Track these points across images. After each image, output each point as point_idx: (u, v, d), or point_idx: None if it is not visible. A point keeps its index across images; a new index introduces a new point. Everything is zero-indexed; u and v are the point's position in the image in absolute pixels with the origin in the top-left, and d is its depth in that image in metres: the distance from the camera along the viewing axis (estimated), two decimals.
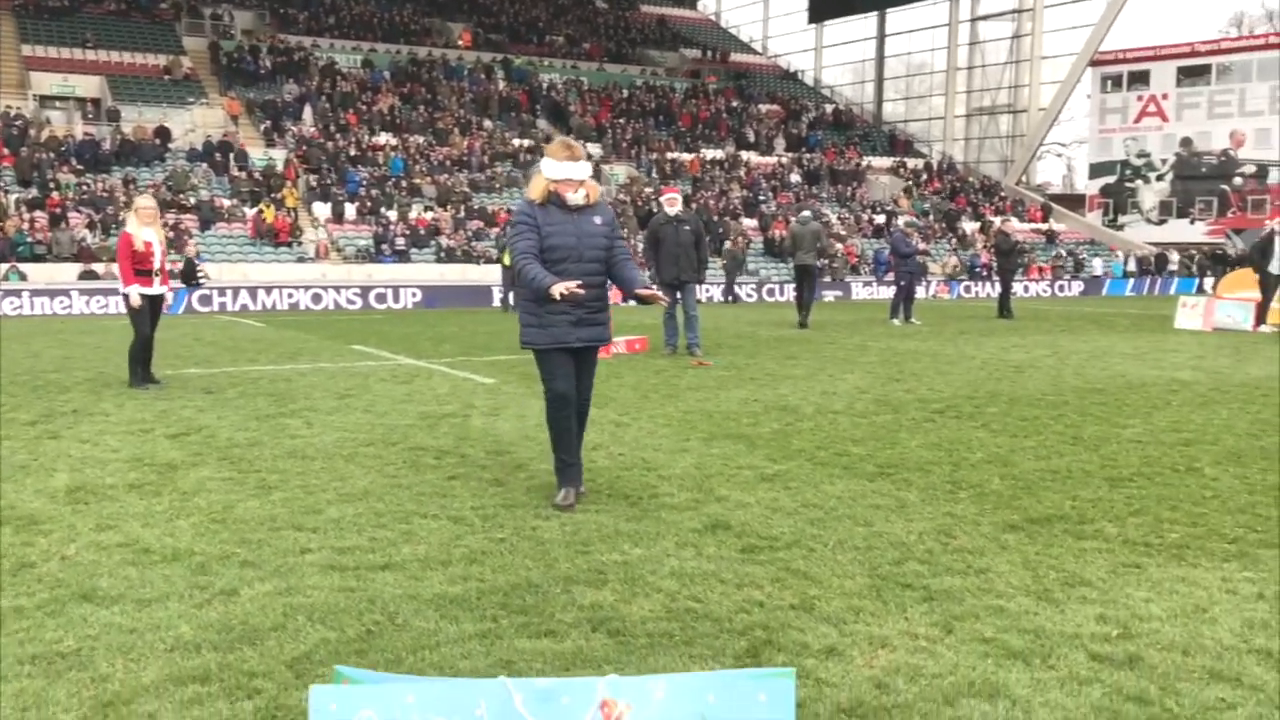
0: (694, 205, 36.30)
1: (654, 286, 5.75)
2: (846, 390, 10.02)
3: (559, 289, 5.23)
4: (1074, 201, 52.16)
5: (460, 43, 47.83)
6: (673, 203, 12.95)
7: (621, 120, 44.73)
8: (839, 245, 37.96)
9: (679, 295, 13.07)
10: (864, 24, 58.50)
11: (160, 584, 4.28)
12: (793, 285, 20.81)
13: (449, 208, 35.01)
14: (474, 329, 18.68)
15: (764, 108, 50.18)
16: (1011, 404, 9.13)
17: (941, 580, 4.33)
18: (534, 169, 5.59)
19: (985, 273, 37.71)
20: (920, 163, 49.52)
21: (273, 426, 8.04)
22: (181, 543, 4.87)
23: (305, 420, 8.37)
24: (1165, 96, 47.06)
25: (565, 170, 5.41)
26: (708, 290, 31.61)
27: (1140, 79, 47.83)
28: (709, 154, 44.01)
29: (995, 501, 5.67)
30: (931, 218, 43.38)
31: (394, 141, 38.09)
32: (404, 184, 35.60)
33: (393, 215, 33.71)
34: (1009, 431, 7.79)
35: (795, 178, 44.02)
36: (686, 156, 43.30)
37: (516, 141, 40.42)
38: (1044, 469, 6.49)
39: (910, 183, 46.50)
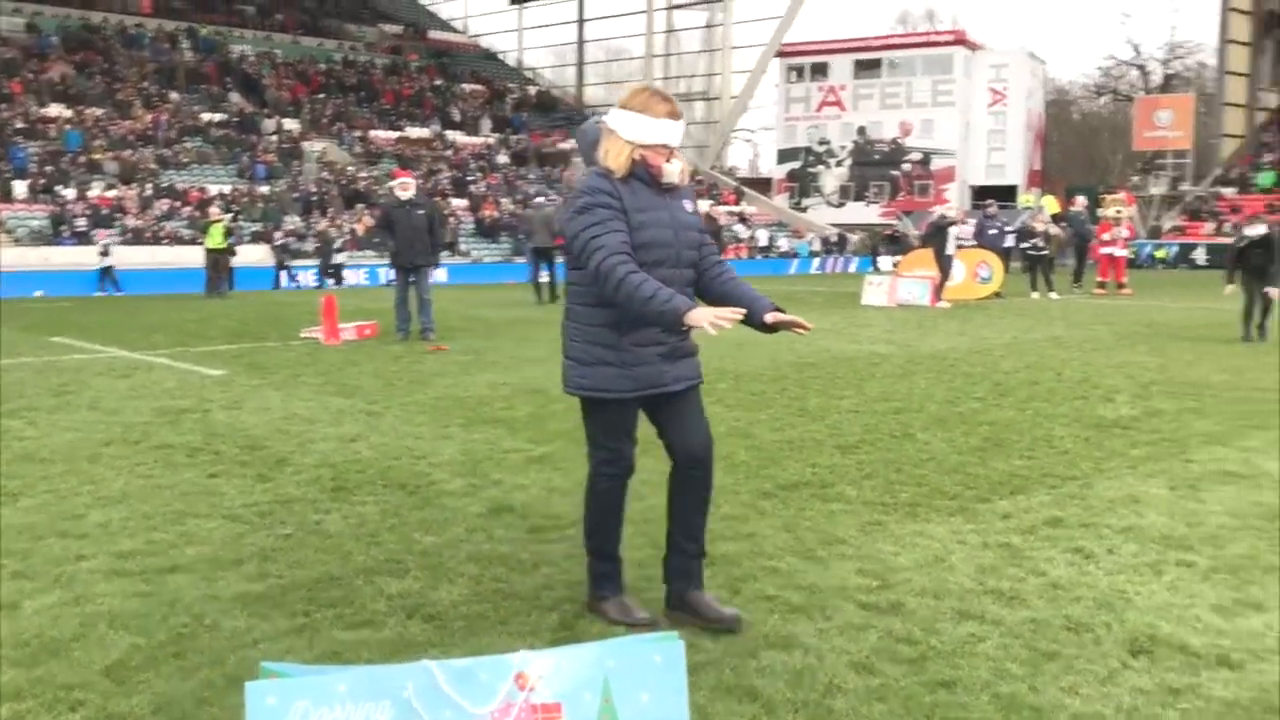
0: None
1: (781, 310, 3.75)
2: None
3: (706, 317, 3.42)
4: (762, 185, 55.23)
5: (140, 9, 44.73)
6: (406, 187, 12.88)
7: (321, 96, 43.36)
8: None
9: (413, 278, 13.04)
10: (565, 8, 59.43)
11: None
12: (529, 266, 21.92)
13: (134, 185, 32.80)
14: (180, 317, 17.75)
15: (468, 87, 50.04)
16: (739, 380, 9.79)
17: (718, 546, 4.73)
18: (592, 126, 3.77)
19: None
20: None
21: None
22: None
23: (27, 420, 7.84)
24: (843, 88, 50.70)
25: (664, 132, 3.59)
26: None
27: (821, 70, 51.27)
28: (414, 132, 43.46)
29: (746, 471, 6.18)
30: None
31: (68, 114, 35.21)
32: (82, 160, 33.03)
33: (70, 194, 31.23)
34: (743, 406, 8.40)
35: (503, 159, 44.23)
36: (391, 134, 42.59)
37: (206, 116, 38.38)
38: (781, 440, 7.09)
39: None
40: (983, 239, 22.02)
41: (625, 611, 3.83)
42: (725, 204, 47.31)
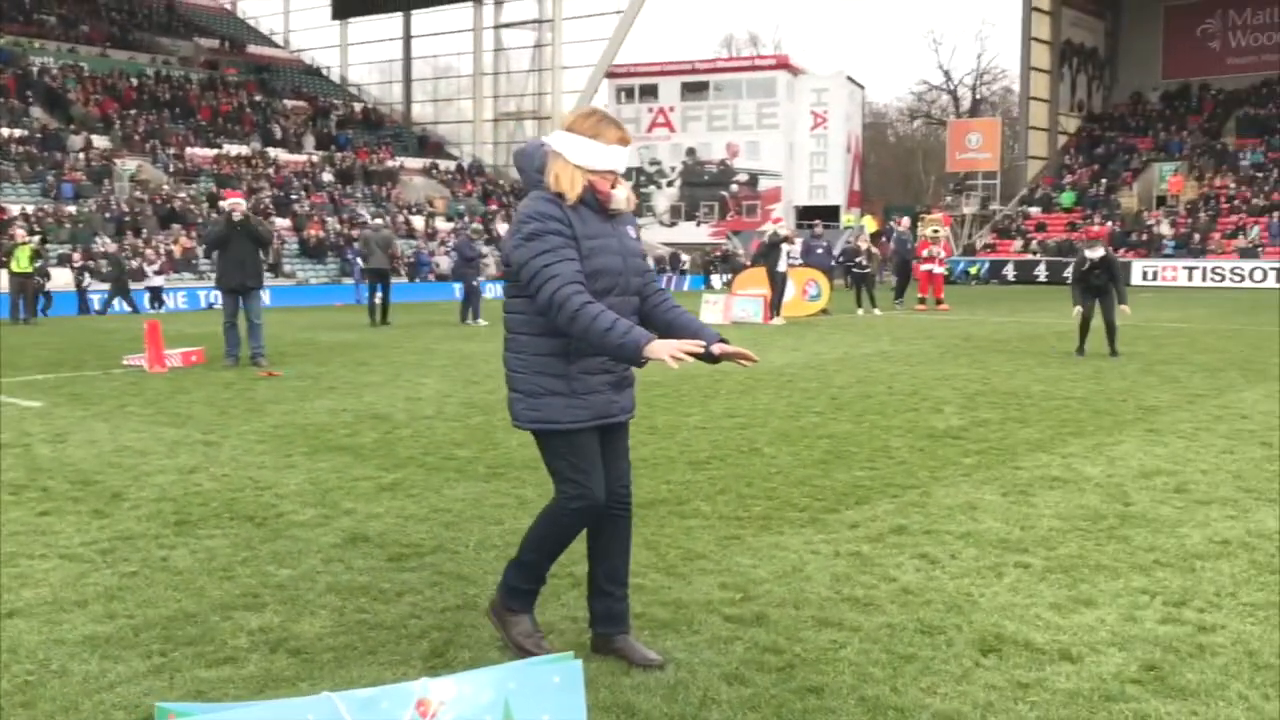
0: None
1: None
2: (431, 395, 10.28)
3: (668, 350, 3.33)
4: None
5: None
6: (236, 207, 12.47)
7: (133, 112, 41.56)
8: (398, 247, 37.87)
9: (241, 302, 12.63)
10: (390, 23, 58.48)
11: None
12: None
13: None
14: None
15: (289, 103, 48.78)
16: None
17: (583, 566, 4.75)
18: (535, 147, 3.64)
19: None
20: (452, 165, 50.49)
21: None
22: None
23: None
24: (672, 109, 51.58)
25: (613, 158, 3.51)
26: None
27: (650, 92, 52.05)
28: (233, 150, 42.07)
29: None
30: (467, 220, 44.46)
31: None
32: None
33: None
34: None
35: (328, 177, 43.25)
36: (208, 152, 41.14)
37: (6, 131, 36.27)
38: (634, 458, 7.14)
39: (449, 185, 47.29)
40: (810, 258, 22.75)
41: (531, 639, 3.72)
42: None
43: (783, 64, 51.76)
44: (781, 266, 19.55)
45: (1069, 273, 14.46)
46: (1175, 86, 51.21)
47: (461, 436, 8.04)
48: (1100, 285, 13.39)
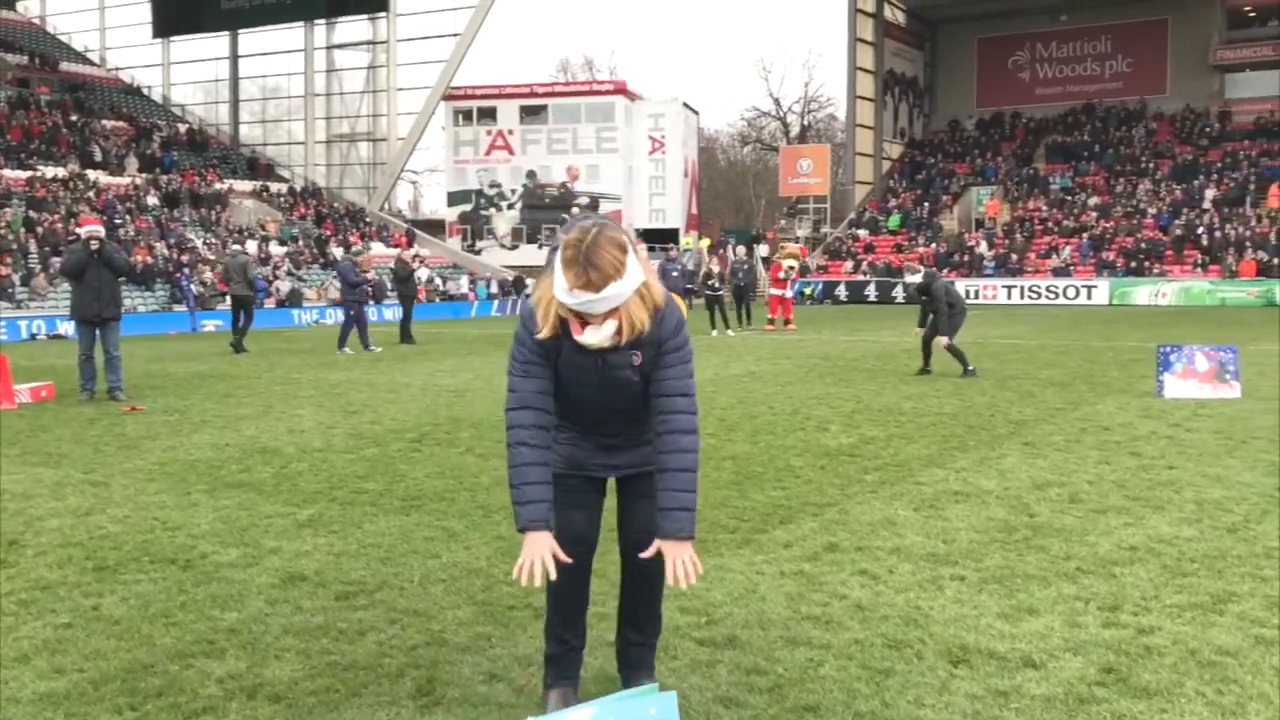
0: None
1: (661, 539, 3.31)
2: (313, 427, 10.02)
3: (528, 555, 3.25)
4: (433, 227, 54.94)
5: None
6: (94, 235, 11.86)
7: None
8: (209, 273, 36.52)
9: (99, 333, 12.03)
10: (216, 43, 56.58)
11: None
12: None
13: None
14: None
15: (109, 123, 46.62)
16: (478, 428, 9.78)
17: (537, 597, 4.75)
18: (575, 220, 3.31)
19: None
20: (284, 187, 49.13)
21: None
22: None
23: None
24: (511, 132, 51.46)
25: (575, 301, 3.14)
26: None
27: (489, 114, 51.81)
28: (49, 171, 39.92)
29: None
30: (300, 243, 43.32)
31: None
32: None
33: None
34: (496, 454, 8.40)
35: (153, 200, 41.48)
36: (21, 174, 38.92)
37: None
38: None
39: (280, 208, 45.98)
40: (666, 280, 23.01)
41: (556, 700, 3.54)
42: (396, 246, 46.69)
43: (620, 89, 52.35)
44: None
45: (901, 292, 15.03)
46: (989, 115, 54.02)
47: (363, 469, 7.88)
48: (924, 310, 14.07)
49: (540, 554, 3.20)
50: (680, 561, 3.20)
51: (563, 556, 3.25)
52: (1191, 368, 11.42)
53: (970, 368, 13.63)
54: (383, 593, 4.88)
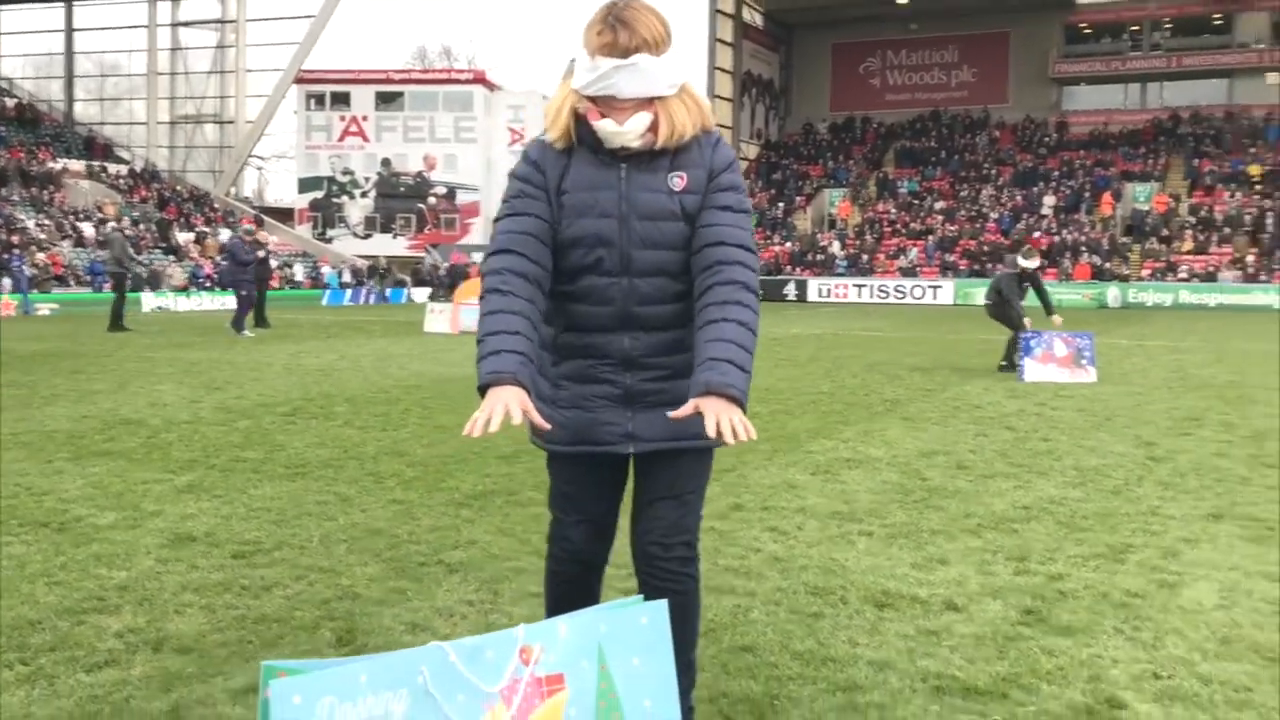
0: None
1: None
2: (177, 401, 9.54)
3: (487, 407, 2.32)
4: (280, 214, 53.33)
5: None
6: None
7: None
8: (41, 254, 34.60)
9: None
10: (49, 14, 53.79)
11: None
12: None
13: None
14: None
15: None
16: (353, 404, 9.47)
17: (453, 555, 4.61)
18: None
19: (210, 284, 37.10)
20: (123, 168, 46.93)
21: None
22: None
23: None
24: (365, 118, 50.31)
25: (596, 76, 2.45)
26: None
27: (342, 100, 50.54)
28: None
29: (426, 484, 6.04)
30: (142, 227, 41.45)
31: None
32: None
33: None
34: (376, 426, 8.16)
35: None
36: None
37: None
38: (438, 455, 6.99)
39: (119, 190, 43.90)
40: None
41: None
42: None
43: (479, 79, 51.72)
44: None
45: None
46: (842, 119, 55.45)
47: (238, 440, 7.52)
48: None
49: (502, 402, 2.30)
50: (728, 418, 2.33)
51: (536, 419, 2.35)
52: (1050, 353, 11.90)
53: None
54: (282, 552, 4.65)
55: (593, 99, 2.48)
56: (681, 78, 2.50)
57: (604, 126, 2.48)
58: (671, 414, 2.42)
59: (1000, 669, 3.38)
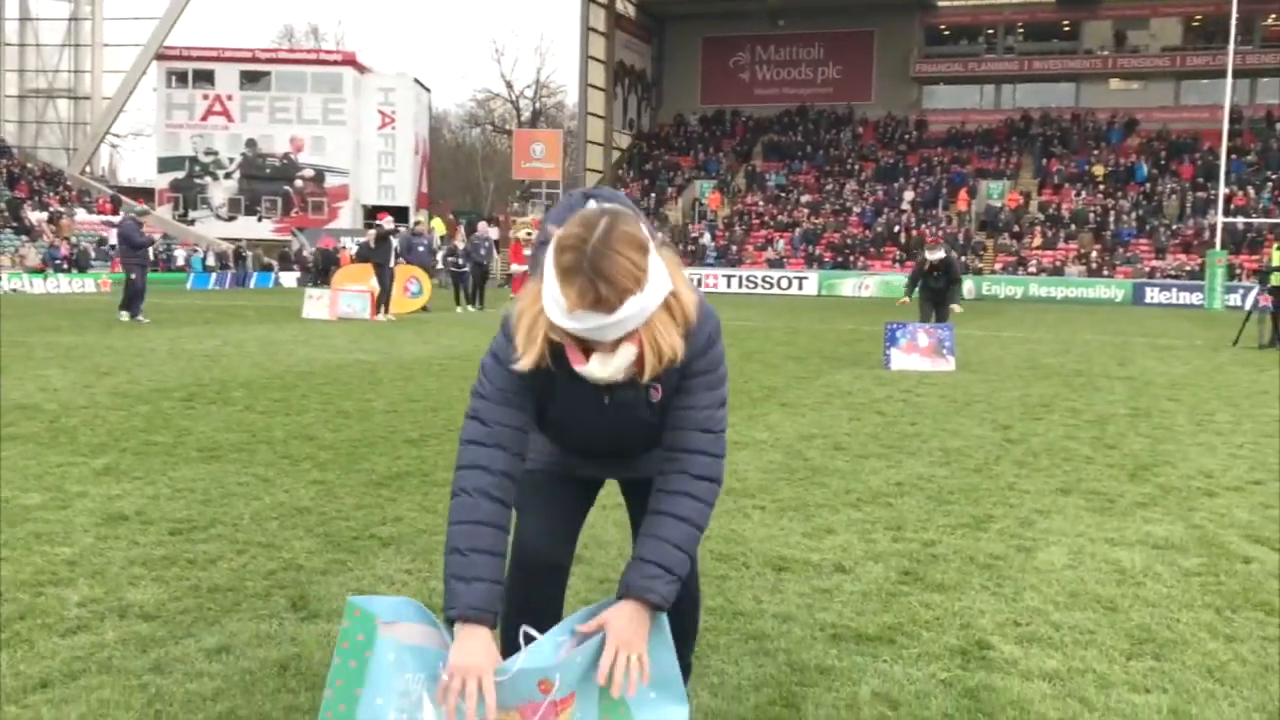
0: None
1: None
2: (68, 386, 9.51)
3: (464, 683, 2.19)
4: (139, 194, 51.65)
5: None
6: None
7: None
8: None
9: None
10: None
11: None
12: None
13: None
14: None
15: None
16: (249, 389, 9.60)
17: (382, 529, 4.93)
18: (577, 200, 2.53)
19: (66, 265, 35.87)
20: None
21: None
22: None
23: None
24: (230, 98, 49.16)
25: (575, 325, 2.25)
26: None
27: (206, 78, 49.26)
28: None
29: (342, 466, 6.31)
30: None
31: None
32: None
33: None
34: (280, 411, 8.34)
35: None
36: None
37: None
38: (347, 439, 7.24)
39: None
40: (411, 256, 22.93)
41: None
42: (101, 213, 43.69)
43: (349, 60, 51.02)
44: (392, 262, 19.62)
45: None
46: (712, 111, 56.48)
47: (142, 424, 7.63)
48: (939, 287, 14.73)
49: (473, 673, 2.20)
50: (625, 655, 2.27)
51: (489, 692, 2.20)
52: (914, 343, 12.69)
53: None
54: (217, 529, 4.89)
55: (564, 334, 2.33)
56: (665, 288, 2.30)
57: (590, 372, 2.35)
58: (579, 627, 2.35)
59: (886, 619, 3.89)
